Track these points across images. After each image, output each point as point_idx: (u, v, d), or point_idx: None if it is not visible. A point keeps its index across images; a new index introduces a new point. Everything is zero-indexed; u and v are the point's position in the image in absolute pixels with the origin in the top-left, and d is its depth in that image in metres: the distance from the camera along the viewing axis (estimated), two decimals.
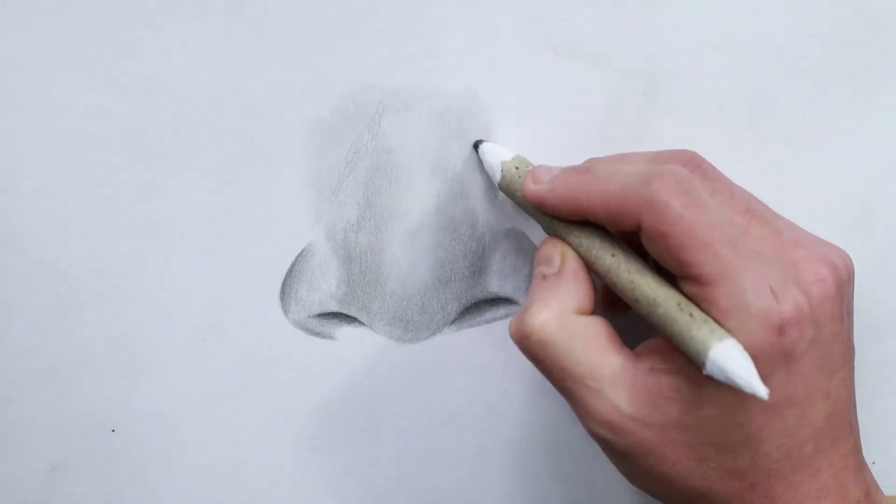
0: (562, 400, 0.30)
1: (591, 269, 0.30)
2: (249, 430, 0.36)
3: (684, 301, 0.27)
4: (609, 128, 0.34)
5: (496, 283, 0.35)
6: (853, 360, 0.30)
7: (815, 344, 0.27)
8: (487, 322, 0.35)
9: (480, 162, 0.34)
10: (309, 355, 0.35)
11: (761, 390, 0.25)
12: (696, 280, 0.27)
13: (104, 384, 0.35)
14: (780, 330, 0.26)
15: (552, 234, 0.31)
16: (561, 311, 0.29)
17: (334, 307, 0.35)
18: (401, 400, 0.36)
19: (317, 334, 0.35)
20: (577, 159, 0.34)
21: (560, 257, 0.30)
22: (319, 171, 0.34)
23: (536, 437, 0.37)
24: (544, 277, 0.30)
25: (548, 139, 0.34)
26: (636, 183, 0.28)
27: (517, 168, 0.32)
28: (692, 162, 0.30)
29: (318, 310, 0.35)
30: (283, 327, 0.35)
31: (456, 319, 0.35)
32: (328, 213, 0.34)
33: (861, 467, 0.30)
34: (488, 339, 0.35)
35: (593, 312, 0.30)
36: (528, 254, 0.35)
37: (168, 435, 0.35)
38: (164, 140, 0.33)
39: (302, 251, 0.34)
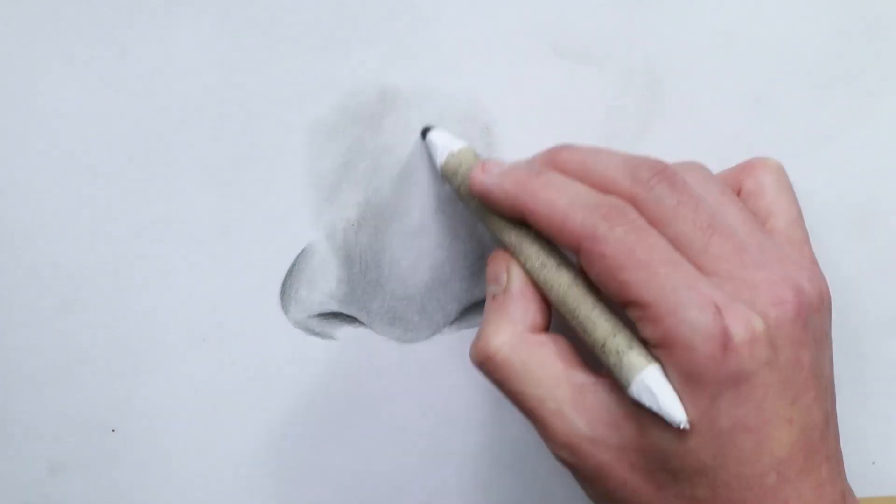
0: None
1: (544, 290, 0.29)
2: (249, 431, 0.36)
3: (616, 323, 0.27)
4: (609, 128, 0.34)
5: None
6: (831, 387, 0.28)
7: (772, 367, 0.26)
8: None
9: (427, 149, 0.33)
10: (309, 355, 0.35)
11: (678, 416, 0.25)
12: (638, 302, 0.26)
13: (104, 384, 0.35)
14: (725, 347, 0.25)
15: (491, 232, 0.31)
16: (514, 332, 0.29)
17: (334, 307, 0.35)
18: (401, 400, 0.36)
19: (317, 334, 0.35)
20: None
21: (506, 273, 0.30)
22: (319, 171, 0.34)
23: (536, 437, 0.36)
24: (494, 297, 0.30)
25: (548, 139, 0.34)
26: (583, 205, 0.27)
27: (464, 159, 0.31)
28: (662, 172, 0.28)
29: (318, 310, 0.35)
30: (283, 327, 0.35)
31: (456, 319, 0.35)
32: (328, 213, 0.34)
33: (841, 499, 0.28)
34: None
35: (548, 326, 0.30)
36: None
37: (168, 435, 0.35)
38: (164, 140, 0.33)
39: (302, 251, 0.34)
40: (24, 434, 0.35)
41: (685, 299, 0.26)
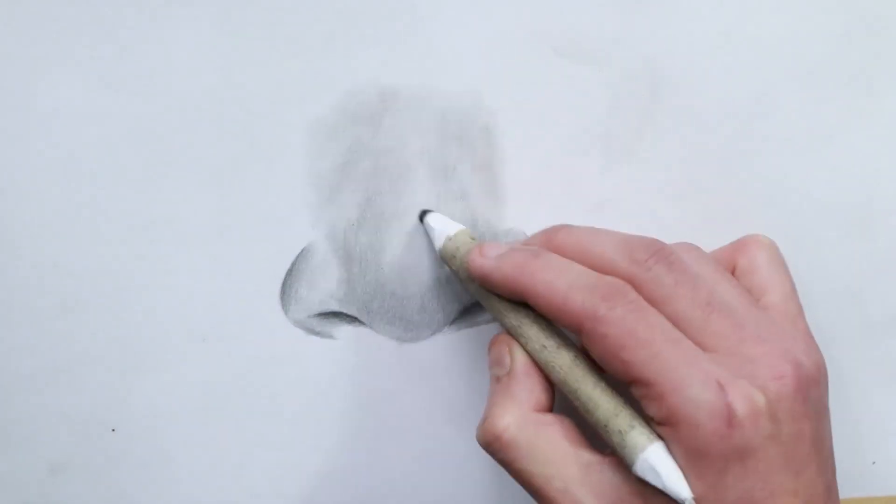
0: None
1: (545, 371, 0.30)
2: (249, 430, 0.36)
3: (618, 402, 0.28)
4: (609, 128, 0.34)
5: None
6: (831, 458, 0.29)
7: (775, 440, 0.26)
8: (487, 322, 0.35)
9: (425, 228, 0.34)
10: (309, 355, 0.35)
11: (684, 493, 0.26)
12: (641, 381, 0.27)
13: (104, 384, 0.35)
14: (730, 422, 0.26)
15: (492, 312, 0.32)
16: (519, 413, 0.29)
17: (334, 306, 0.35)
18: (401, 400, 0.36)
19: (317, 333, 0.35)
20: (577, 159, 0.34)
21: (509, 356, 0.30)
22: (319, 170, 0.34)
23: None
24: (498, 380, 0.30)
25: (548, 139, 0.34)
26: (583, 285, 0.28)
27: (461, 242, 0.32)
28: (659, 253, 0.29)
29: (318, 309, 0.35)
30: (283, 326, 0.35)
31: (456, 319, 0.35)
32: (328, 213, 0.34)
33: None
34: (488, 338, 0.35)
35: (552, 405, 0.30)
36: None
37: (168, 435, 0.35)
38: (164, 140, 0.33)
39: (302, 250, 0.34)
40: (24, 434, 0.35)
41: (688, 377, 0.26)
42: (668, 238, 0.35)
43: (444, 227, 0.33)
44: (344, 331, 0.35)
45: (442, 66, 0.33)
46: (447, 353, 0.36)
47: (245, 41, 0.33)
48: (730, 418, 0.26)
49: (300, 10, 0.32)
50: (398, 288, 0.35)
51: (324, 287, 0.35)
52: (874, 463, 0.37)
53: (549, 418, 0.29)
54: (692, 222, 0.35)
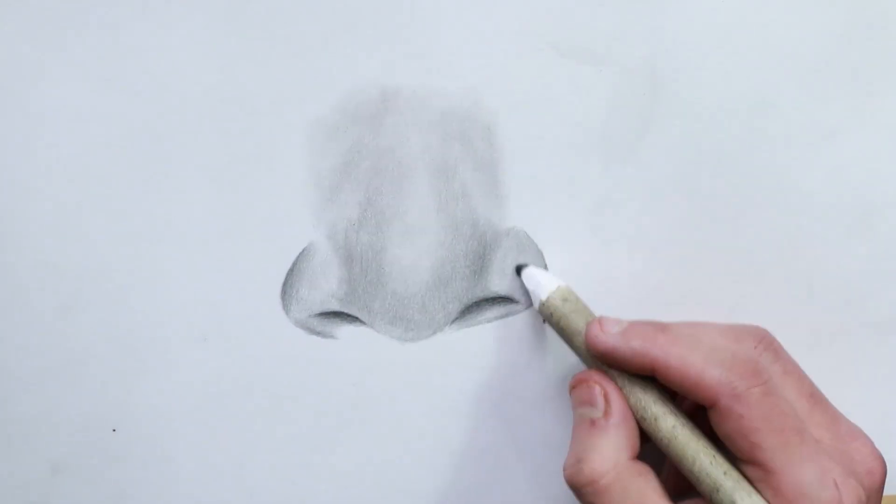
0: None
1: (642, 424, 0.31)
2: (250, 430, 0.36)
3: (741, 479, 0.29)
4: (609, 128, 0.34)
5: (497, 283, 0.35)
6: None
7: None
8: (488, 321, 0.35)
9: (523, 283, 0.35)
10: (310, 355, 0.35)
11: None
12: (763, 465, 0.28)
13: (104, 384, 0.35)
14: None
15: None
16: (617, 461, 0.30)
17: (335, 306, 0.35)
18: (401, 399, 0.36)
19: (318, 333, 0.35)
20: (576, 159, 0.34)
21: (604, 399, 0.31)
22: (320, 170, 0.34)
23: (538, 436, 0.37)
24: (593, 422, 0.31)
25: (549, 139, 0.34)
26: (719, 360, 0.29)
27: (564, 300, 0.33)
28: (765, 340, 0.31)
29: (319, 309, 0.35)
30: (284, 327, 0.35)
31: (457, 319, 0.35)
32: (329, 213, 0.34)
33: None
34: (489, 338, 0.35)
35: (640, 455, 0.31)
36: (528, 253, 0.35)
37: (168, 435, 0.35)
38: (164, 140, 0.33)
39: (303, 250, 0.34)
40: (24, 434, 0.35)
41: (810, 473, 0.27)
42: (670, 238, 0.35)
43: (539, 285, 0.34)
44: (345, 331, 0.35)
45: (443, 66, 0.33)
46: (448, 352, 0.36)
47: (245, 41, 0.33)
48: None
49: (300, 10, 0.32)
50: (399, 287, 0.35)
51: (325, 287, 0.35)
52: None
53: (643, 468, 0.30)
54: (692, 222, 0.35)
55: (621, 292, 0.35)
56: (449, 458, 0.37)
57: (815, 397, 0.30)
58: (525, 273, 0.34)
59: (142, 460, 0.35)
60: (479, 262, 0.35)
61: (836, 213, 0.35)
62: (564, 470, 0.31)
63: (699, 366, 0.29)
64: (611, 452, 0.30)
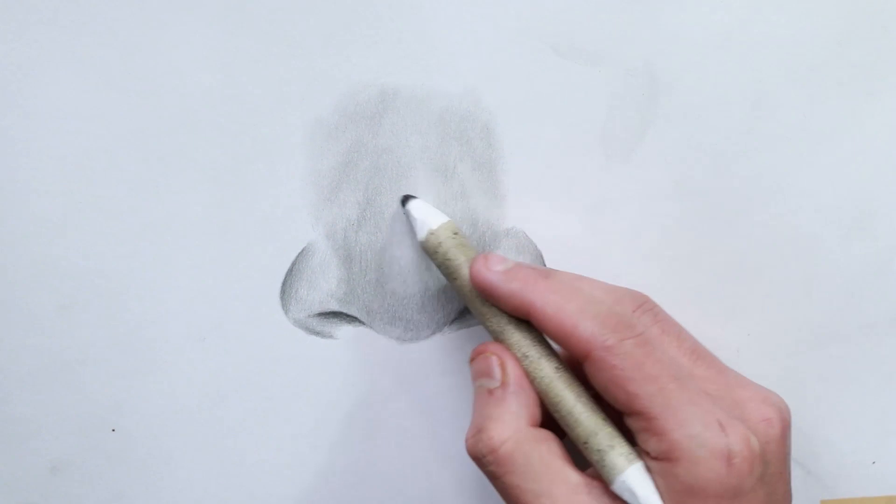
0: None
1: (523, 361, 0.30)
2: (248, 430, 0.36)
3: (598, 419, 0.28)
4: (609, 128, 0.34)
5: None
6: (790, 495, 0.30)
7: (763, 482, 0.28)
8: None
9: (406, 216, 0.34)
10: (309, 354, 0.35)
11: None
12: (643, 414, 0.27)
13: (104, 384, 0.35)
14: (729, 462, 0.27)
15: (474, 313, 0.32)
16: (517, 427, 0.30)
17: (334, 306, 0.35)
18: (401, 399, 0.36)
19: (317, 333, 0.35)
20: (576, 159, 0.34)
21: (500, 369, 0.31)
22: (320, 170, 0.34)
23: None
24: (490, 392, 0.30)
25: (548, 139, 0.34)
26: (593, 313, 0.28)
27: (444, 238, 0.32)
28: (644, 304, 0.30)
29: (318, 309, 0.35)
30: (283, 326, 0.35)
31: (456, 319, 0.35)
32: (328, 213, 0.34)
33: None
34: (488, 338, 0.35)
35: (542, 419, 0.30)
36: (528, 253, 0.35)
37: (168, 435, 0.35)
38: (164, 140, 0.33)
39: (302, 250, 0.34)
40: (24, 434, 0.35)
41: (692, 415, 0.27)
42: (669, 238, 0.35)
43: (426, 218, 0.33)
44: (344, 331, 0.35)
45: (442, 66, 0.33)
46: (447, 352, 0.36)
47: (245, 41, 0.33)
48: (729, 458, 0.27)
49: (300, 10, 0.32)
50: (398, 287, 0.35)
51: (324, 287, 0.35)
52: (874, 463, 0.37)
53: (544, 434, 0.30)
54: (692, 222, 0.35)
55: None
56: (447, 459, 0.37)
57: (698, 352, 0.30)
58: (412, 204, 0.33)
59: (141, 460, 0.35)
60: None
61: (834, 213, 0.35)
62: (466, 441, 0.30)
63: (573, 316, 0.29)
64: (510, 420, 0.30)
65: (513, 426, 0.30)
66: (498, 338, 0.31)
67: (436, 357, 0.36)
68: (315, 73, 0.33)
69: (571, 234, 0.35)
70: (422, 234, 0.33)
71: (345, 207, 0.34)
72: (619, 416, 0.29)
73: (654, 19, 0.33)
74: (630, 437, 0.29)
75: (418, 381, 0.36)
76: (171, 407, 0.35)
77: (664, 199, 0.35)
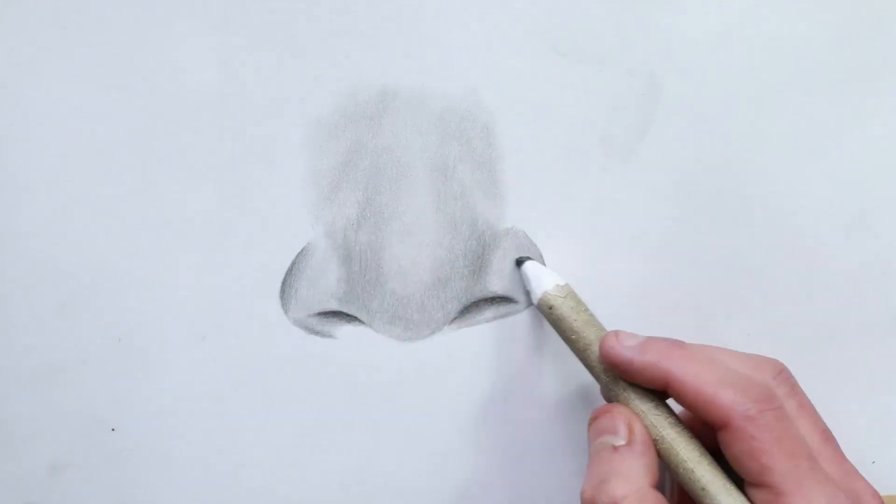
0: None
1: (653, 437, 0.31)
2: (248, 429, 0.36)
3: (736, 493, 0.29)
4: (609, 128, 0.34)
5: (496, 282, 0.35)
6: None
7: None
8: (487, 321, 0.35)
9: (522, 274, 0.35)
10: (309, 354, 0.35)
11: None
12: (772, 488, 0.28)
13: (104, 384, 0.35)
14: None
15: (608, 390, 0.32)
16: (640, 485, 0.30)
17: (334, 306, 0.35)
18: (401, 399, 0.36)
19: (317, 333, 0.35)
20: (576, 159, 0.34)
21: (627, 428, 0.31)
22: (319, 170, 0.34)
23: (537, 436, 0.36)
24: (615, 448, 0.31)
25: (548, 139, 0.34)
26: (734, 381, 0.29)
27: (566, 296, 0.33)
28: (783, 373, 0.31)
29: (318, 308, 0.35)
30: (283, 326, 0.35)
31: (456, 318, 0.35)
32: (328, 212, 0.34)
33: None
34: (488, 338, 0.35)
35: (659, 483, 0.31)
36: (527, 253, 0.35)
37: (168, 435, 0.35)
38: (164, 139, 0.33)
39: (302, 250, 0.34)
40: (24, 434, 0.35)
41: (820, 498, 0.28)
42: (669, 238, 0.35)
43: (540, 280, 0.34)
44: (344, 330, 0.35)
45: (442, 66, 0.33)
46: (447, 351, 0.36)
47: (245, 41, 0.33)
48: None
49: (300, 10, 0.32)
50: (398, 287, 0.35)
51: (324, 286, 0.35)
52: (874, 463, 0.37)
53: (662, 498, 0.30)
54: (692, 222, 0.35)
55: (620, 292, 0.35)
56: (447, 458, 0.37)
57: (827, 435, 0.31)
58: (526, 266, 0.34)
59: (141, 460, 0.35)
60: (478, 261, 0.35)
61: (835, 213, 0.35)
62: (584, 492, 0.30)
63: (714, 385, 0.29)
64: (634, 477, 0.30)
65: (636, 484, 0.30)
66: (628, 405, 0.31)
67: (436, 357, 0.36)
68: (315, 73, 0.33)
69: (571, 234, 0.35)
70: (538, 295, 0.34)
71: (344, 207, 0.34)
72: (741, 485, 0.29)
73: (654, 20, 0.34)
74: None
75: (418, 381, 0.36)
76: (171, 407, 0.35)
77: (664, 199, 0.35)
